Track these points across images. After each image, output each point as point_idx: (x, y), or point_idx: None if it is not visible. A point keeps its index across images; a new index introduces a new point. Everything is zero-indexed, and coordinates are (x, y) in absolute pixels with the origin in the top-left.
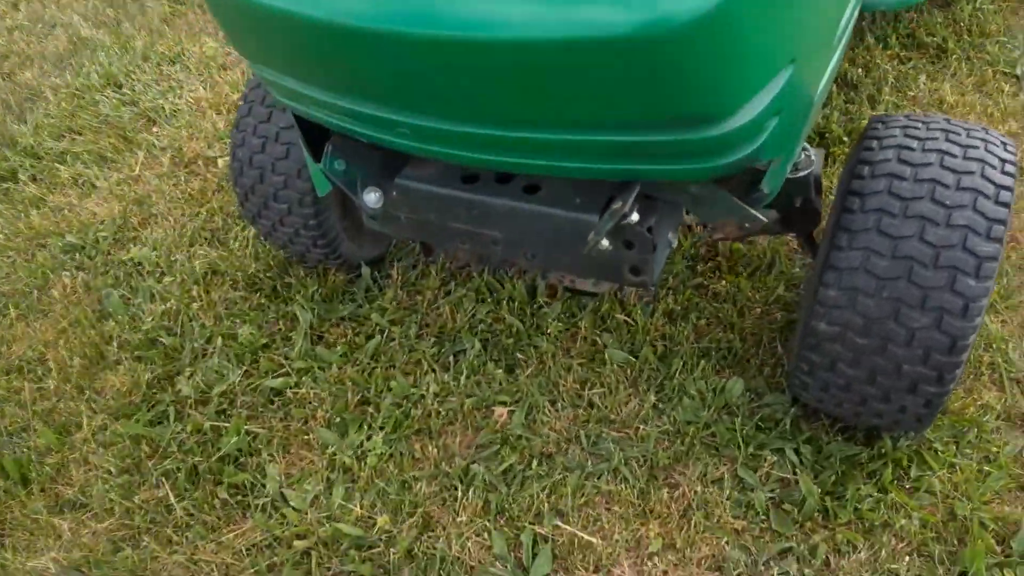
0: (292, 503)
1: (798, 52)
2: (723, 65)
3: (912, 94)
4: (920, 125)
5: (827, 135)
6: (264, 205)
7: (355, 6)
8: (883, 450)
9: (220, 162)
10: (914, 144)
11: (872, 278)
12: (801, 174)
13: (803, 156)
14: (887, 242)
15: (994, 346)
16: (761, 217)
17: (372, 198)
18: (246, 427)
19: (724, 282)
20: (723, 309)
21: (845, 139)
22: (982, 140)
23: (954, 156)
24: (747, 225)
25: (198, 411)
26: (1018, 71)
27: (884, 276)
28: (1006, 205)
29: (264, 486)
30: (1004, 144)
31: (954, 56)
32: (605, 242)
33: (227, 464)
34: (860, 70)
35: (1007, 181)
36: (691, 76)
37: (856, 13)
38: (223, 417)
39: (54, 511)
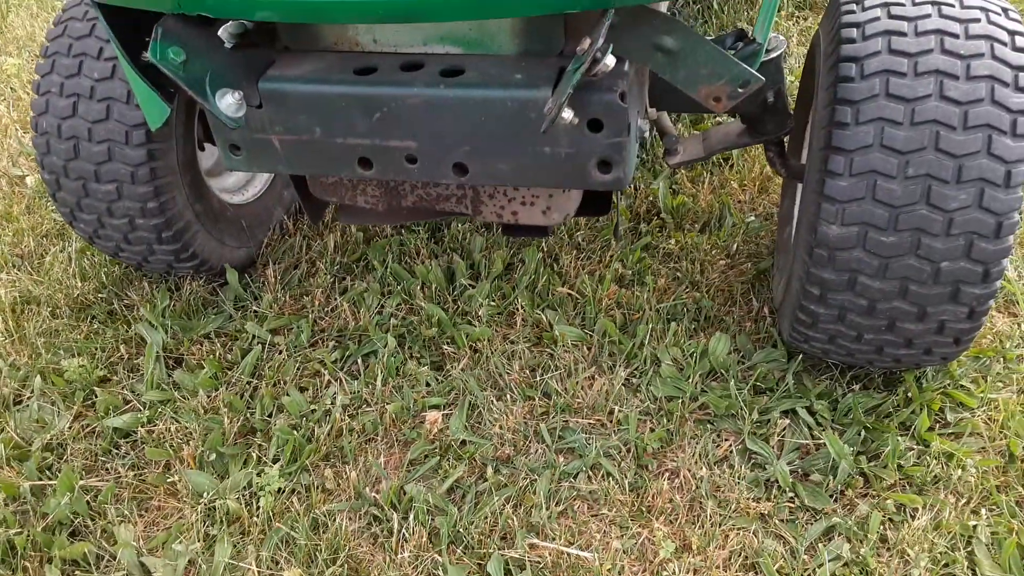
0: (157, 574)
1: None
2: None
3: None
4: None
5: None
6: (83, 190)
7: None
8: (909, 395)
9: (29, 180)
10: (905, 27)
11: (883, 207)
12: (773, 55)
13: (771, 35)
14: (896, 160)
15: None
16: (754, 72)
17: (230, 103)
18: (81, 483)
19: (674, 240)
20: (681, 267)
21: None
22: (980, 8)
23: (955, 36)
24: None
25: (13, 470)
26: None
27: (898, 203)
28: None
29: (114, 556)
30: (1005, 10)
31: None
32: (568, 114)
33: (57, 534)
34: None
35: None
36: None
37: None
38: (48, 474)
39: None
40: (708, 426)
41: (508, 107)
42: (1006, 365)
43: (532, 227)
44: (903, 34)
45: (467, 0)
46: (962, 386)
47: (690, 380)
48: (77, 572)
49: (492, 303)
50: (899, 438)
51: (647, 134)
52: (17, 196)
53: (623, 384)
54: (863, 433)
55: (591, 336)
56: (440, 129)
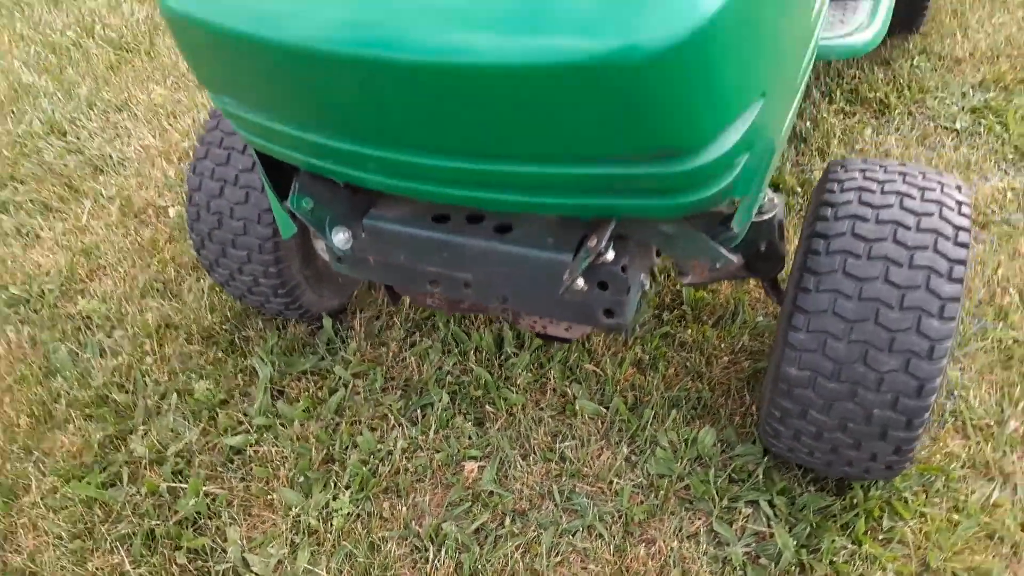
0: (255, 569)
1: (768, 86)
2: (697, 95)
3: (859, 147)
4: (878, 169)
5: (780, 186)
6: (222, 252)
7: (321, 30)
8: (855, 500)
9: (172, 211)
10: (874, 187)
11: (840, 320)
12: (766, 216)
13: (767, 199)
14: (853, 284)
15: (956, 393)
16: (731, 257)
17: (341, 238)
18: (205, 488)
19: (690, 331)
20: (691, 358)
21: (799, 189)
22: (937, 182)
23: (913, 198)
24: (717, 266)
25: (154, 472)
26: (958, 125)
27: (852, 318)
28: (965, 246)
29: (225, 551)
30: (957, 186)
31: (897, 111)
32: (580, 282)
33: (186, 528)
34: (809, 123)
35: (964, 222)
36: (664, 106)
37: (812, 58)
38: (180, 478)
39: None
40: (687, 505)
41: (540, 263)
42: (947, 483)
43: (558, 337)
44: (866, 220)
45: (520, 202)
46: (904, 498)
47: (680, 463)
48: (198, 560)
49: (529, 372)
50: (837, 537)
51: (647, 287)
52: (161, 226)
53: (624, 459)
54: (809, 528)
55: (606, 412)
56: (490, 270)
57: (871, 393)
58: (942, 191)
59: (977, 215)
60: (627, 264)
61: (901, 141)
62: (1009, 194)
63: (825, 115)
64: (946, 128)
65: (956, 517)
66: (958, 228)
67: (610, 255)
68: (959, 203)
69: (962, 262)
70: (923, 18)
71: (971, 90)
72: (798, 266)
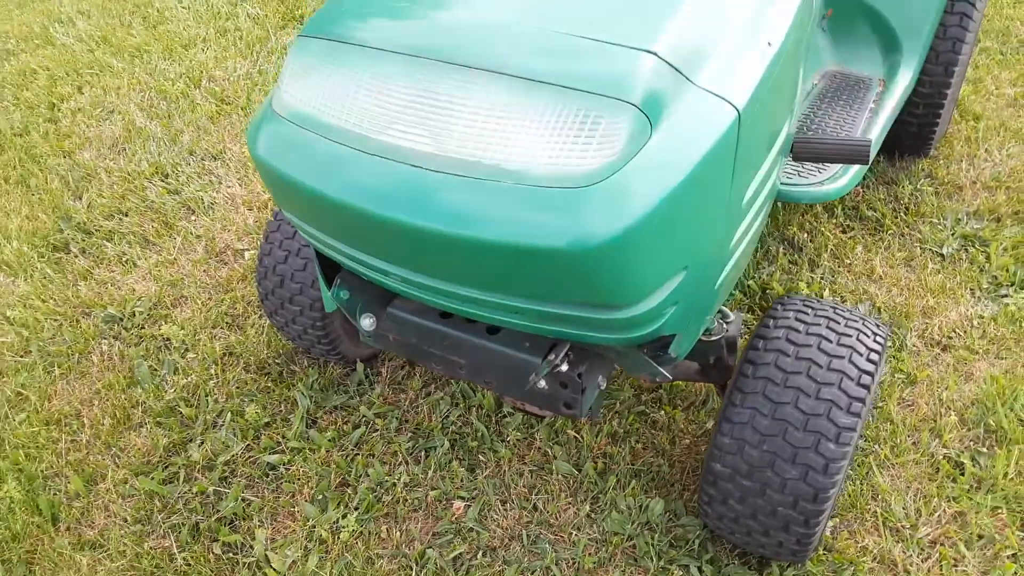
0: (274, 565)
1: (690, 261)
2: (621, 274)
3: (848, 262)
4: (809, 311)
5: (768, 291)
6: (281, 305)
7: (354, 193)
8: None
9: (247, 255)
10: (800, 327)
11: (756, 433)
12: (714, 338)
13: (716, 323)
14: (769, 405)
15: (880, 497)
16: (667, 375)
17: (367, 323)
18: (243, 495)
19: (663, 412)
20: (658, 436)
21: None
22: (856, 329)
23: (830, 341)
24: (656, 380)
25: (204, 476)
26: (944, 250)
27: (765, 433)
28: (866, 387)
29: (252, 547)
30: (875, 334)
31: (889, 232)
32: (543, 383)
33: (223, 525)
34: (806, 235)
35: (869, 367)
36: (599, 278)
37: (763, 213)
38: (225, 483)
39: (76, 548)
40: (631, 561)
41: (516, 361)
42: (854, 572)
43: (533, 413)
44: (787, 355)
45: (500, 319)
46: None
47: (632, 525)
48: (230, 552)
49: (519, 432)
50: None
51: (603, 386)
52: (236, 267)
53: (586, 515)
54: None
55: (578, 474)
56: (479, 360)
57: (776, 494)
58: (858, 337)
59: (941, 337)
60: (583, 371)
61: (886, 261)
62: (975, 321)
63: (823, 229)
64: (932, 252)
65: None
66: (862, 371)
67: (564, 367)
68: (869, 349)
69: (861, 400)
70: (931, 144)
71: (965, 217)
72: (732, 382)
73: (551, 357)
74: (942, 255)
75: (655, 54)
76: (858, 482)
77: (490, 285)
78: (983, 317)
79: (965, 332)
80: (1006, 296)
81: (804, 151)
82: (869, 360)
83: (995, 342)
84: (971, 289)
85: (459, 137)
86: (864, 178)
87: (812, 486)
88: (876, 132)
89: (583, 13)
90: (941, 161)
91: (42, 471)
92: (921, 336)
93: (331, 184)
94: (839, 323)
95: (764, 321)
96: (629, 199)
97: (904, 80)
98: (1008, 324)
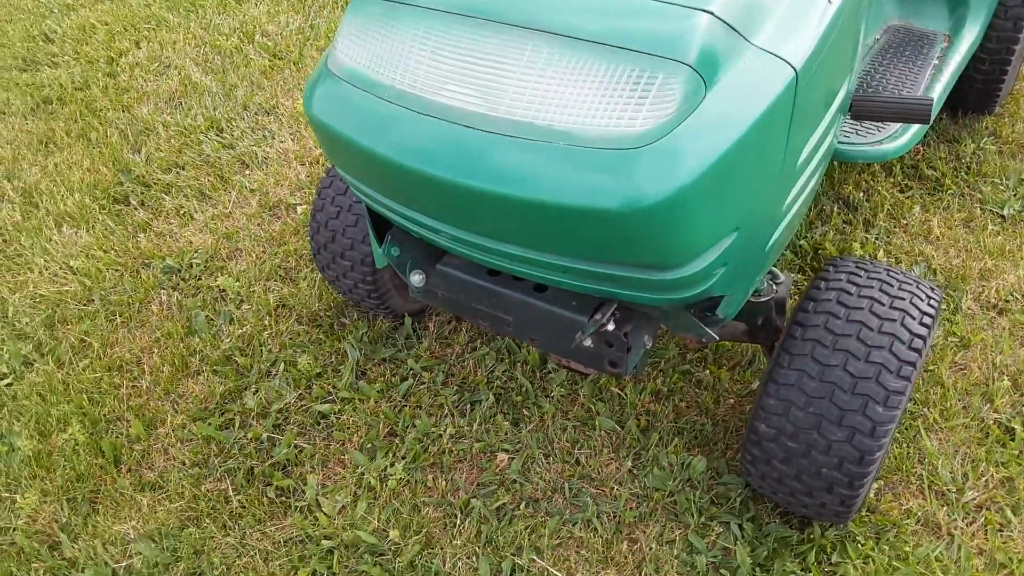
0: (324, 509)
1: (741, 222)
2: (672, 235)
3: (905, 222)
4: (862, 273)
5: (821, 252)
6: (333, 260)
7: (414, 155)
8: (812, 536)
9: (300, 209)
10: (852, 289)
11: (803, 394)
12: (763, 299)
13: (766, 283)
14: (817, 367)
15: (926, 461)
16: (714, 336)
17: (416, 279)
18: (295, 442)
19: (708, 372)
20: (702, 395)
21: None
22: (910, 292)
23: (882, 304)
24: (703, 340)
25: (258, 423)
26: (1005, 211)
27: (812, 395)
28: (918, 351)
29: (304, 492)
30: (929, 298)
31: (949, 192)
32: (588, 341)
33: (277, 470)
34: (862, 194)
35: (922, 331)
36: (650, 239)
37: (819, 174)
38: (278, 430)
39: (137, 488)
40: (672, 516)
41: (563, 320)
42: (898, 534)
43: (578, 371)
44: (838, 318)
45: (549, 278)
46: (856, 540)
47: (673, 481)
48: (283, 496)
49: (563, 388)
50: (789, 563)
51: (649, 345)
52: (290, 221)
53: (628, 471)
54: (767, 552)
55: (620, 430)
56: (525, 317)
57: (821, 455)
58: (911, 301)
59: (998, 300)
60: (629, 331)
61: (944, 221)
62: None
63: (880, 188)
64: (993, 213)
65: (897, 564)
66: (914, 335)
67: (610, 326)
68: (923, 313)
69: (911, 363)
70: (996, 101)
71: None
72: (780, 343)
73: (597, 316)
74: (1003, 216)
75: (711, 13)
76: (905, 445)
77: (539, 244)
78: None
79: (1023, 296)
80: None
81: (863, 109)
82: (922, 324)
83: None
84: None
85: (510, 98)
86: (925, 136)
87: (858, 449)
88: (939, 90)
89: None
90: (1007, 119)
91: (104, 415)
92: (977, 299)
93: (384, 143)
94: (892, 286)
95: (815, 283)
96: (681, 160)
97: (970, 36)
98: None
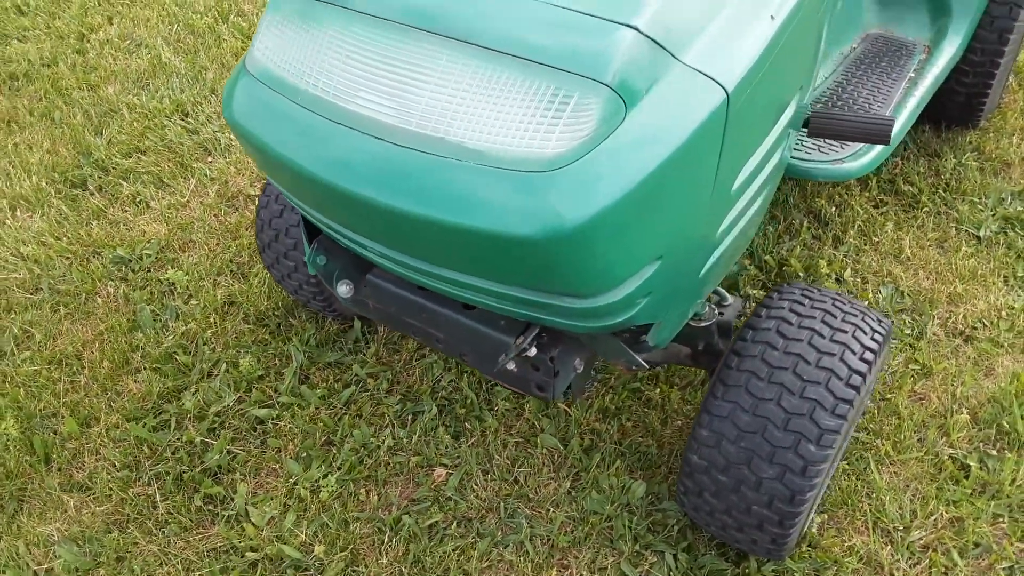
0: (252, 519)
1: (665, 250)
2: (585, 263)
3: (876, 239)
4: (806, 302)
5: (786, 268)
6: (277, 260)
7: (330, 168)
8: (747, 570)
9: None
10: (793, 319)
11: (735, 428)
12: (703, 324)
13: (708, 308)
14: (751, 400)
15: (875, 495)
16: (643, 364)
17: (343, 290)
18: (229, 447)
19: (658, 391)
20: (650, 416)
21: (801, 274)
22: (854, 325)
23: (823, 336)
24: (633, 368)
25: (194, 425)
26: (981, 233)
27: (744, 429)
28: (855, 388)
29: (233, 501)
30: (874, 331)
31: (925, 209)
32: (512, 364)
33: (207, 476)
34: (834, 208)
35: (862, 367)
36: (563, 267)
37: (762, 197)
38: (213, 435)
39: (65, 489)
40: (607, 543)
41: (489, 338)
42: (837, 572)
43: (517, 391)
44: (775, 349)
45: (472, 299)
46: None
47: (611, 505)
48: (211, 503)
49: (509, 402)
50: None
51: (580, 370)
52: (247, 213)
53: (566, 492)
54: None
55: (563, 449)
56: (455, 334)
57: (752, 492)
58: (853, 334)
59: (966, 327)
60: (556, 355)
61: (917, 241)
62: (1004, 312)
63: (854, 203)
64: (968, 233)
65: None
66: (853, 371)
67: (532, 351)
68: (864, 348)
69: (848, 401)
70: (981, 116)
71: (1009, 197)
72: (716, 372)
73: (518, 341)
74: (978, 237)
75: (636, 28)
76: (854, 478)
77: (458, 266)
78: (1013, 308)
79: (992, 323)
80: None
81: (821, 127)
82: (863, 359)
83: (1023, 335)
84: (1004, 276)
85: (423, 110)
86: (905, 148)
87: (788, 487)
88: (911, 105)
89: None
90: (991, 134)
91: (40, 410)
92: (944, 325)
93: (300, 153)
94: (836, 317)
95: (757, 310)
96: (595, 186)
97: (951, 48)
98: None
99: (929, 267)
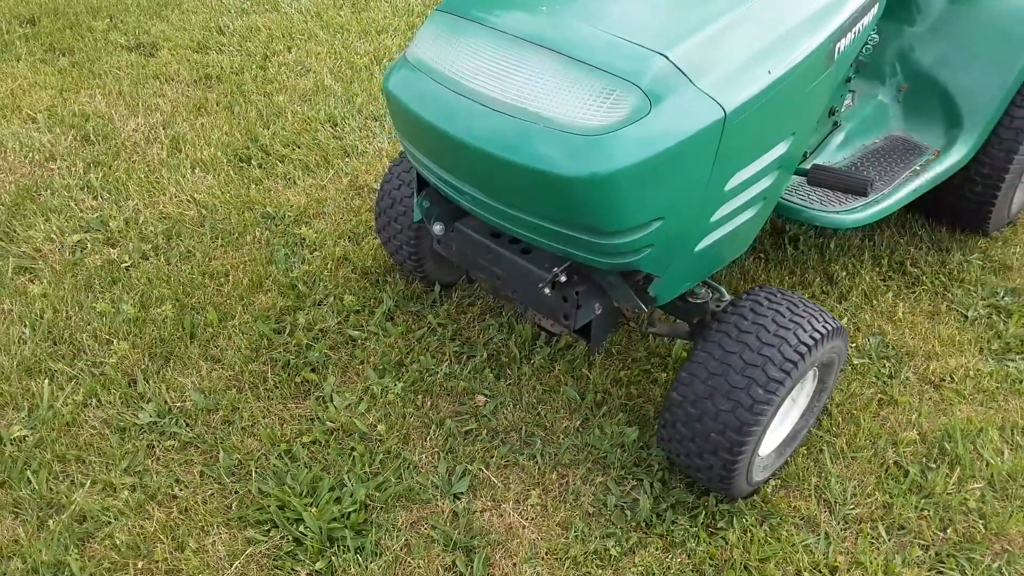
0: (335, 403)
1: (666, 214)
2: (610, 203)
3: (875, 303)
4: (778, 295)
5: None
6: (388, 223)
7: (448, 121)
8: (707, 503)
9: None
10: (764, 302)
11: (705, 370)
12: (698, 301)
13: (705, 291)
14: (720, 351)
15: (824, 475)
16: (644, 307)
17: (437, 228)
18: (326, 352)
19: (665, 374)
20: (653, 390)
21: None
22: (810, 315)
23: (783, 316)
24: (637, 311)
25: (303, 333)
26: (969, 313)
27: (712, 371)
28: (801, 355)
29: (323, 387)
30: (825, 323)
31: (924, 287)
32: (547, 290)
33: (307, 366)
34: (845, 273)
35: (808, 341)
36: (590, 205)
37: (754, 209)
38: (316, 341)
39: (203, 357)
40: (599, 466)
41: (535, 275)
42: (780, 521)
43: (547, 330)
44: (745, 319)
45: (518, 232)
46: (743, 515)
47: (608, 443)
48: (307, 386)
49: (544, 361)
50: (680, 517)
51: (598, 312)
52: (368, 201)
53: (575, 429)
54: (666, 506)
55: (580, 401)
56: (511, 273)
57: (711, 421)
58: (808, 320)
59: (936, 378)
60: (580, 289)
61: (911, 309)
62: (972, 372)
63: (863, 272)
64: (958, 312)
65: (771, 541)
66: (800, 342)
67: (562, 278)
68: (814, 329)
69: (792, 362)
70: (988, 223)
71: (1002, 291)
72: (701, 335)
73: (555, 270)
74: (966, 316)
75: (666, 56)
76: (810, 460)
77: (524, 205)
78: (981, 371)
79: (959, 379)
80: (1011, 361)
81: (816, 177)
82: (811, 336)
83: (984, 392)
84: (980, 348)
85: (517, 90)
86: (918, 243)
87: (739, 420)
88: (907, 188)
89: (633, 19)
90: (1000, 243)
91: (192, 304)
92: (917, 372)
93: (432, 113)
94: (798, 307)
95: (739, 296)
96: (621, 151)
97: (956, 154)
98: (1003, 381)
99: (916, 329)
